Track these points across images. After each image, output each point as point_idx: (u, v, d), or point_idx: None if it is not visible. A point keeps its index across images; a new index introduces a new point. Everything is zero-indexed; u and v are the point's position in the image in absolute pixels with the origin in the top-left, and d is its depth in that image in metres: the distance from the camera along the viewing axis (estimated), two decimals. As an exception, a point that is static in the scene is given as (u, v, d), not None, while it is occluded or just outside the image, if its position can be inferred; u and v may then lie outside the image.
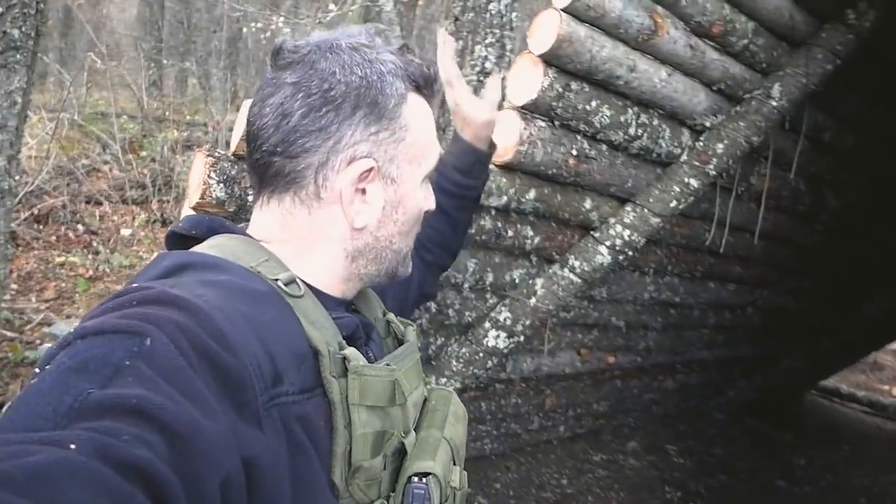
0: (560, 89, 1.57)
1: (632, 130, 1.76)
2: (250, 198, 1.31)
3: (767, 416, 4.41)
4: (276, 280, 0.63)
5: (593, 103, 1.65)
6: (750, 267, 2.80)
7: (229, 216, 1.31)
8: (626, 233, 1.89)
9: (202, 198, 1.25)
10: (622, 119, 1.72)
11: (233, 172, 1.28)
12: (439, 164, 1.32)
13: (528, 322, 1.96)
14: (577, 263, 1.92)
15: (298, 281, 0.66)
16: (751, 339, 3.55)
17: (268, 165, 0.70)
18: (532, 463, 3.18)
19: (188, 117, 7.83)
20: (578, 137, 1.72)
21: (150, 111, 7.16)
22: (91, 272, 4.05)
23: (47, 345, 3.06)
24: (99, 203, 4.98)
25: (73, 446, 0.37)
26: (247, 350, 0.53)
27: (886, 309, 3.84)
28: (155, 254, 4.46)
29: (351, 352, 0.63)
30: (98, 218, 4.82)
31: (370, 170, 0.69)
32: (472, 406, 2.56)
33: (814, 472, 3.71)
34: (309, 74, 0.68)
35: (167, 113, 7.49)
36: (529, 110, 1.60)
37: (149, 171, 5.47)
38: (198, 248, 0.66)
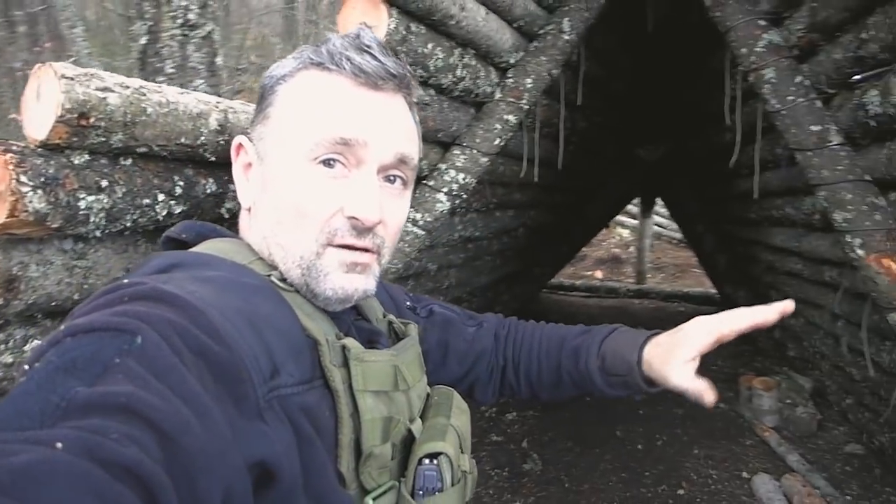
0: (404, 32, 1.44)
1: (458, 72, 1.73)
2: (81, 203, 0.93)
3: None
4: (269, 275, 0.64)
5: (429, 46, 1.57)
6: (525, 192, 3.08)
7: (53, 233, 0.92)
8: (461, 176, 1.88)
9: (12, 214, 0.85)
10: (451, 61, 1.67)
11: (51, 171, 0.89)
12: (606, 346, 0.97)
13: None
14: (419, 216, 1.86)
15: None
16: (519, 257, 3.96)
17: None
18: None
19: None
20: (415, 84, 1.63)
21: None
22: None
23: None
24: None
25: (59, 445, 0.36)
26: (241, 343, 0.52)
27: (601, 212, 4.64)
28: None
29: (350, 341, 0.63)
30: None
31: (239, 146, 0.73)
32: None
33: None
34: None
35: None
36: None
37: None
38: (190, 251, 0.66)
